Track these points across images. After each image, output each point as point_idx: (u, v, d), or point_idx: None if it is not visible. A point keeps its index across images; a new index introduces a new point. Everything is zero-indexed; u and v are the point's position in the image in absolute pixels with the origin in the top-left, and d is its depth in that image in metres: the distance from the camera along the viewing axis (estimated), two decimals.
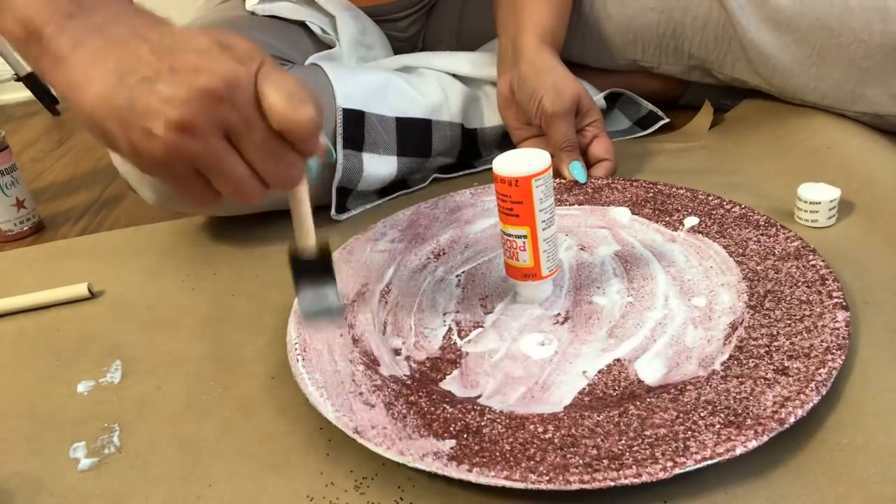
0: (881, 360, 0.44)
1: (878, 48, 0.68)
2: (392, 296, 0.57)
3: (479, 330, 0.52)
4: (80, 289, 0.66)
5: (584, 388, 0.45)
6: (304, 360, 0.49)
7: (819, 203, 0.59)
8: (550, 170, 0.50)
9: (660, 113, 0.84)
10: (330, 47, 0.80)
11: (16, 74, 1.38)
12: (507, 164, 0.50)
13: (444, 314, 0.55)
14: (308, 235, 0.45)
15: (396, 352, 0.51)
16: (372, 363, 0.49)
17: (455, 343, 0.51)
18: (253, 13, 0.78)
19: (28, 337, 0.62)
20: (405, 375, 0.48)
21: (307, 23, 0.79)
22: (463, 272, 0.60)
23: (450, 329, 0.53)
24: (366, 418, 0.43)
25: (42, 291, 0.66)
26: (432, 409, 0.44)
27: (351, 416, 0.43)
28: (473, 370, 0.48)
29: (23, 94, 1.51)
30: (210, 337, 0.58)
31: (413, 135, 0.75)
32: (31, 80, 1.40)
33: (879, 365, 0.44)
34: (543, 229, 0.51)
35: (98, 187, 0.99)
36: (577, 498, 0.38)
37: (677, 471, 0.37)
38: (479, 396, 0.46)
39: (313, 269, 0.46)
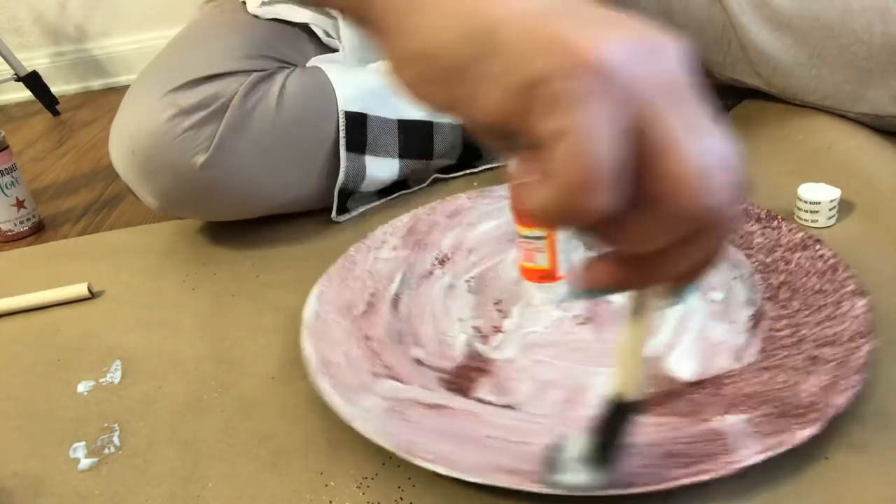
0: (882, 361, 0.44)
1: (879, 49, 0.68)
2: (403, 304, 0.56)
3: (501, 335, 0.51)
4: (80, 289, 0.66)
5: None
6: (326, 376, 0.46)
7: (819, 203, 0.59)
8: None
9: None
10: (333, 50, 0.80)
11: (16, 74, 1.38)
12: None
13: (461, 321, 0.53)
14: (636, 384, 0.34)
15: (419, 362, 0.49)
16: (397, 375, 0.47)
17: (478, 350, 0.50)
18: (256, 16, 0.78)
19: (28, 337, 0.62)
20: (435, 386, 0.46)
21: (311, 26, 0.79)
22: (472, 277, 0.59)
23: (470, 336, 0.52)
24: (407, 434, 0.41)
25: (42, 291, 0.66)
26: (474, 420, 0.42)
27: (395, 433, 0.41)
28: (504, 376, 0.47)
29: (23, 94, 1.51)
30: (210, 337, 0.58)
31: (415, 137, 0.75)
32: (31, 80, 1.40)
33: (881, 365, 0.44)
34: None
35: (98, 187, 0.99)
36: (582, 501, 0.38)
37: (743, 464, 0.36)
38: (516, 403, 0.45)
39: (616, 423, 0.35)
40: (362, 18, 0.31)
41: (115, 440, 0.48)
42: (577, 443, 0.36)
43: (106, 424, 0.50)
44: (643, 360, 0.33)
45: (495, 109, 0.27)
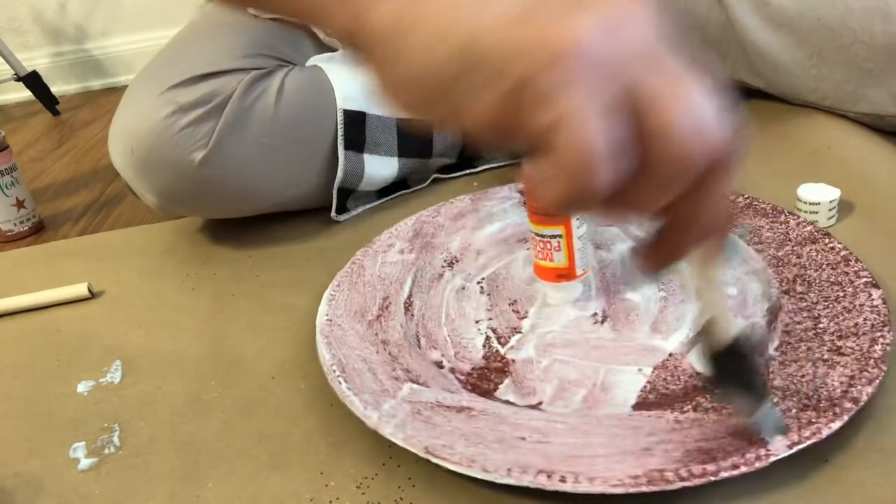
0: None
1: (879, 49, 0.68)
2: (416, 307, 0.56)
3: (519, 335, 0.51)
4: (80, 289, 0.66)
5: (646, 386, 0.45)
6: (346, 382, 0.46)
7: (819, 203, 0.59)
8: None
9: None
10: (332, 50, 0.80)
11: (16, 74, 1.38)
12: None
13: (477, 322, 0.53)
14: (728, 322, 0.37)
15: (438, 365, 0.49)
16: (418, 379, 0.47)
17: (497, 351, 0.50)
18: (256, 16, 0.78)
19: (28, 337, 0.62)
20: (457, 388, 0.46)
21: (311, 26, 0.79)
22: (483, 278, 0.58)
23: (488, 337, 0.52)
24: (433, 437, 0.41)
25: (42, 291, 0.66)
26: (500, 420, 0.42)
27: (417, 436, 0.41)
28: (525, 377, 0.47)
29: (23, 94, 1.51)
30: (210, 337, 0.58)
31: (414, 136, 0.75)
32: (31, 80, 1.40)
33: None
34: (577, 227, 0.50)
35: (98, 187, 0.99)
36: (581, 500, 0.38)
37: (773, 458, 0.36)
38: (540, 403, 0.45)
39: (735, 363, 0.37)
40: (354, 47, 0.31)
41: (115, 440, 0.48)
42: (740, 403, 0.38)
43: (106, 424, 0.50)
44: (723, 300, 0.35)
45: (489, 118, 0.27)
